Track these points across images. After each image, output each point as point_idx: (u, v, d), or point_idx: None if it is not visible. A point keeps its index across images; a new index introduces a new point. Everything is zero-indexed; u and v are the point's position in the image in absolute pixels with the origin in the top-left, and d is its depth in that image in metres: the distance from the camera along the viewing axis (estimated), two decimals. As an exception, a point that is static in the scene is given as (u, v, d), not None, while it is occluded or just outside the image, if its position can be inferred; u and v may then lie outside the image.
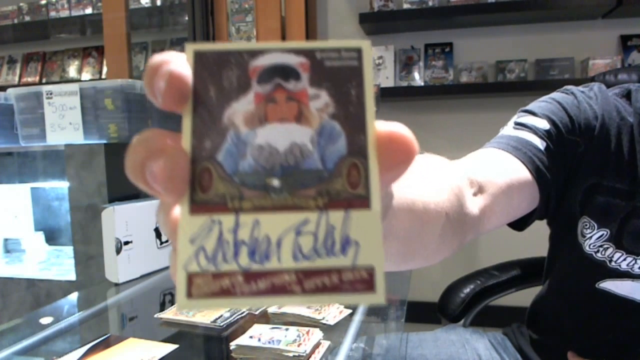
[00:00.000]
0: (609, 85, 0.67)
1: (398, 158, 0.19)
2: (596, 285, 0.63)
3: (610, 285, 0.62)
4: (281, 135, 0.19)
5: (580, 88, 0.66)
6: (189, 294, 0.18)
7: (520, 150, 0.56)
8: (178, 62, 0.19)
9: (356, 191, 0.19)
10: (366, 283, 0.19)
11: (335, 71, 0.20)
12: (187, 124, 0.19)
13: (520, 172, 0.54)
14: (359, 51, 0.20)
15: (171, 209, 0.19)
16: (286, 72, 0.20)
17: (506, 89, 1.99)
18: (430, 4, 2.00)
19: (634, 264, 0.60)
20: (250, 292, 0.18)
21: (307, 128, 0.19)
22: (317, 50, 0.20)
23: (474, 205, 0.44)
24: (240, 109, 0.19)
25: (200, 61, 0.19)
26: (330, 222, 0.19)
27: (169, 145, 0.18)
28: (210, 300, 0.18)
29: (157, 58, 0.19)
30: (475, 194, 0.46)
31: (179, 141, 0.19)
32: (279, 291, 0.18)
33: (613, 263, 0.61)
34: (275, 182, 0.19)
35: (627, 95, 0.64)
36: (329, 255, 0.19)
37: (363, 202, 0.19)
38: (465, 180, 0.45)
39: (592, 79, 0.89)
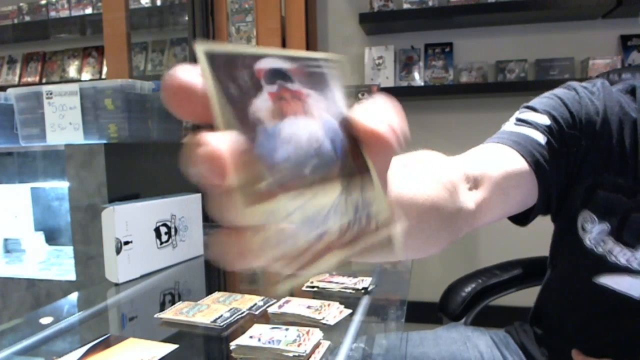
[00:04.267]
0: (612, 85, 0.67)
1: (377, 149, 0.23)
2: (595, 280, 0.63)
3: (609, 280, 0.62)
4: (300, 128, 0.22)
5: (583, 84, 0.66)
6: (277, 281, 0.21)
7: (521, 144, 0.57)
8: (185, 73, 0.19)
9: (361, 166, 0.24)
10: (388, 241, 0.24)
11: (317, 76, 0.24)
12: (219, 119, 0.19)
13: (518, 164, 0.55)
14: (327, 61, 0.25)
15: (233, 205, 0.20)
16: (284, 75, 0.22)
17: (506, 89, 1.99)
18: (430, 4, 2.00)
19: (632, 259, 0.60)
20: (319, 259, 0.21)
21: (314, 121, 0.22)
22: (300, 59, 0.24)
23: (469, 199, 0.45)
24: (261, 105, 0.21)
25: (212, 61, 0.20)
26: (354, 193, 0.23)
27: (212, 135, 0.19)
28: (293, 278, 0.21)
29: (168, 76, 0.20)
30: (471, 189, 0.46)
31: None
32: (336, 253, 0.22)
33: (612, 257, 0.61)
34: (308, 169, 0.21)
35: (632, 92, 0.64)
36: (362, 220, 0.23)
37: (367, 174, 0.24)
38: (461, 175, 0.45)
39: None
